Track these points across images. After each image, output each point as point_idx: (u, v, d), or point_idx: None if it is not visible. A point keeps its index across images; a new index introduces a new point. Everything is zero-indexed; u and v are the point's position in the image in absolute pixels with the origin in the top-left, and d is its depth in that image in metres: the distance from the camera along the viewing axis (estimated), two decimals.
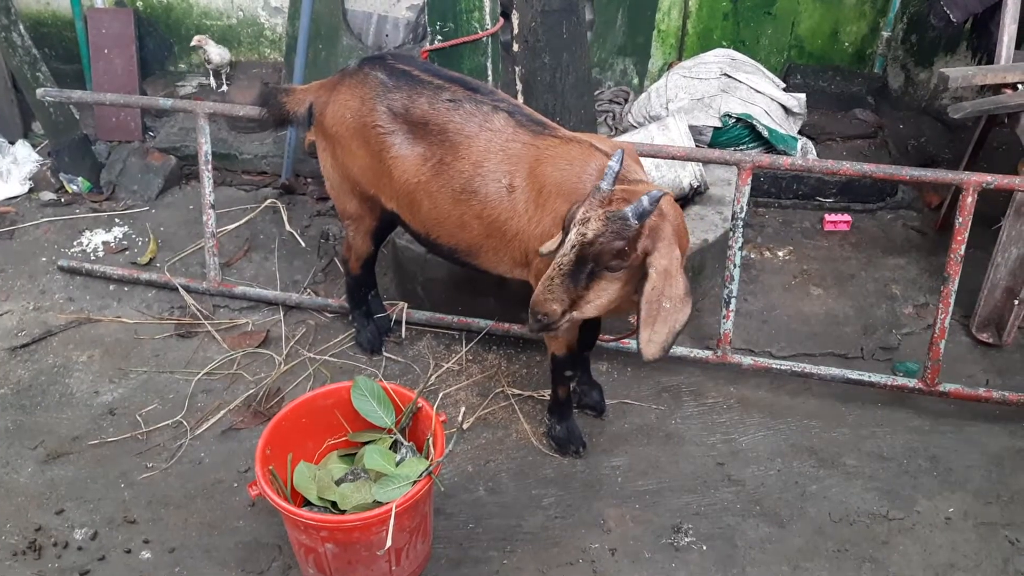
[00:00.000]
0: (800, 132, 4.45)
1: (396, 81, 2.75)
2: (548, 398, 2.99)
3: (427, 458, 2.41)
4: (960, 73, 3.49)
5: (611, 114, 4.62)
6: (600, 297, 2.21)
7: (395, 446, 2.51)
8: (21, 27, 4.29)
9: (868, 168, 3.10)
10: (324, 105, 2.90)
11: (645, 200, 2.10)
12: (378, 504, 2.29)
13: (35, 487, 2.85)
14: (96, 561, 2.61)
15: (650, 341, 2.20)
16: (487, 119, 2.62)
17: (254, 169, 4.59)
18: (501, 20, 3.23)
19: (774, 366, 3.20)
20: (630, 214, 2.10)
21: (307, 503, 2.46)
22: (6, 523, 2.72)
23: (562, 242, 2.18)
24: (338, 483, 2.47)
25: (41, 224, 4.21)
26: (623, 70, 4.95)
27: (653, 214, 2.15)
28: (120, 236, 4.14)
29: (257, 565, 2.60)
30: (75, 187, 4.40)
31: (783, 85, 4.55)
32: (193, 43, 4.75)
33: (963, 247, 2.98)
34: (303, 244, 3.99)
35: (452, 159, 2.63)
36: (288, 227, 4.06)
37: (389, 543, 2.18)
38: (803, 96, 4.44)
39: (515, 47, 3.24)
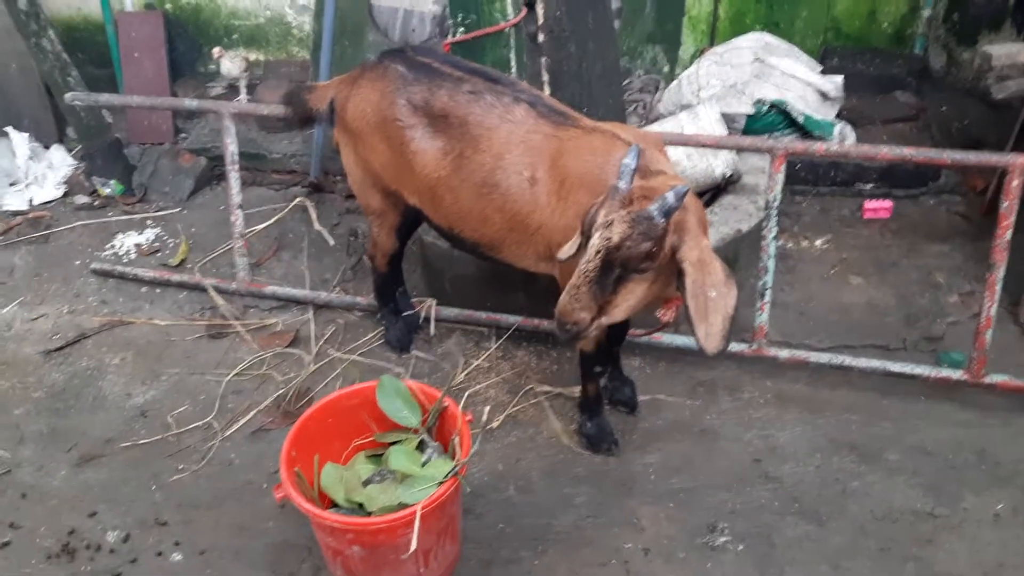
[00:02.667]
0: (839, 116, 4.32)
1: (416, 74, 2.71)
2: (579, 395, 2.94)
3: (453, 458, 2.37)
4: (1005, 51, 3.39)
5: (641, 103, 4.53)
6: (629, 300, 2.14)
7: (421, 446, 2.48)
8: (51, 32, 4.34)
9: (907, 152, 2.99)
10: (345, 100, 2.87)
11: (671, 196, 2.02)
12: (404, 506, 2.25)
13: (69, 490, 2.87)
14: (128, 564, 2.61)
15: (708, 335, 2.12)
16: (508, 111, 2.57)
17: (283, 168, 4.59)
18: (524, 10, 3.18)
19: (812, 359, 3.11)
20: (655, 212, 2.03)
21: (335, 504, 2.44)
22: (40, 526, 2.74)
23: (583, 246, 2.12)
24: (365, 484, 2.44)
25: (75, 228, 4.25)
26: (653, 58, 4.86)
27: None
28: (152, 238, 4.17)
29: (287, 567, 2.58)
30: (108, 190, 4.44)
31: (820, 68, 4.42)
32: (215, 55, 4.78)
33: (1009, 232, 2.86)
34: (332, 242, 3.97)
35: (473, 152, 2.58)
36: (317, 225, 4.04)
37: (414, 545, 2.15)
38: (840, 79, 4.30)
39: (540, 37, 3.19)
